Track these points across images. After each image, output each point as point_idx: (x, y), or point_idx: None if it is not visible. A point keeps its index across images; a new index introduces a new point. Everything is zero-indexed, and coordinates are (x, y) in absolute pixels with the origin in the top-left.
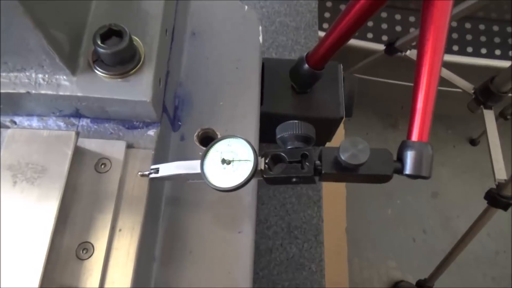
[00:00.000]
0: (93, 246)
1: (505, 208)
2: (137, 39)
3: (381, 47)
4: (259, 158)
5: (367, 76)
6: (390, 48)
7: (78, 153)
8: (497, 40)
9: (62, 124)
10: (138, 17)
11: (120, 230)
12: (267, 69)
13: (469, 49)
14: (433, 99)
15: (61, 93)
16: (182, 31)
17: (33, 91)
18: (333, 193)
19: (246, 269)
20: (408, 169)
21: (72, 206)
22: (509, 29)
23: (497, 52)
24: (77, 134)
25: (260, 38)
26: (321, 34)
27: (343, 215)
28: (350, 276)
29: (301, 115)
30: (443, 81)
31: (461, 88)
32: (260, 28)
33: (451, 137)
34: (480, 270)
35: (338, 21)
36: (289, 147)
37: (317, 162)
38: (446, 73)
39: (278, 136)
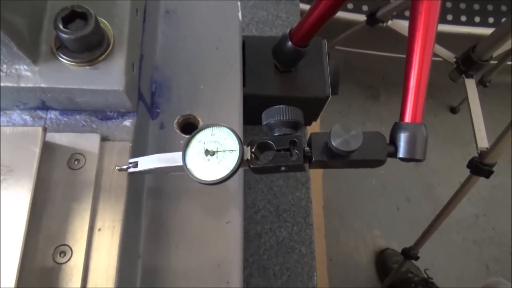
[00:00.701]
0: (71, 249)
1: (487, 175)
2: (105, 21)
3: (362, 17)
4: (245, 147)
5: (347, 48)
6: (372, 18)
7: (48, 150)
8: (476, 7)
9: (28, 118)
10: None
11: (99, 229)
12: (248, 47)
13: (449, 17)
14: (426, 77)
15: (22, 84)
16: (155, 9)
17: None
18: (316, 171)
19: (236, 261)
20: (401, 153)
21: (46, 207)
22: None
23: (477, 19)
24: (45, 129)
25: (240, 15)
26: (303, 6)
27: (320, 193)
28: (336, 247)
29: (286, 96)
30: None
31: (442, 57)
32: (239, 3)
33: (432, 106)
34: (461, 234)
35: None
36: (276, 134)
37: (307, 149)
38: None
39: (264, 123)
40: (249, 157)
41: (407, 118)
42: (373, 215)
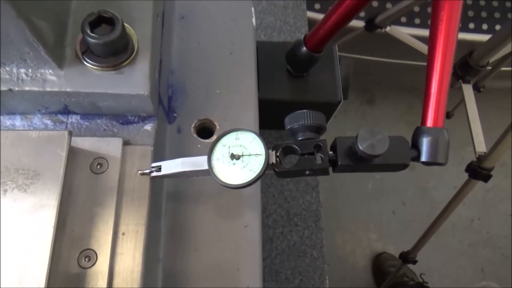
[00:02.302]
0: (96, 253)
1: (485, 179)
2: (129, 27)
3: (360, 23)
4: (270, 151)
5: (344, 53)
6: (370, 24)
7: (71, 154)
8: (470, 13)
9: (49, 122)
10: (127, 2)
11: (123, 234)
12: (261, 52)
13: None
14: (447, 82)
15: (48, 89)
16: (171, 14)
17: (16, 88)
18: None
19: (255, 264)
20: (424, 157)
21: (69, 211)
22: (482, 2)
23: (471, 25)
24: (70, 133)
25: (253, 20)
26: (310, 14)
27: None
28: (333, 250)
29: (298, 100)
30: (421, 56)
31: None
32: (253, 9)
33: None
34: (457, 237)
35: (340, 0)
36: (300, 138)
37: (330, 153)
38: (424, 48)
39: (287, 127)
40: (274, 161)
41: (429, 122)
42: (369, 218)
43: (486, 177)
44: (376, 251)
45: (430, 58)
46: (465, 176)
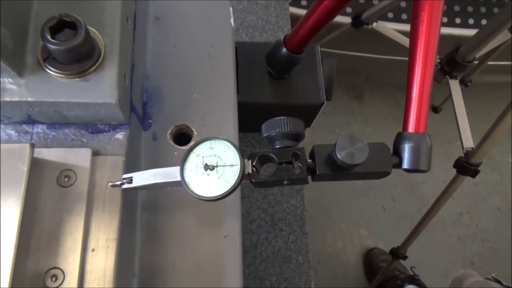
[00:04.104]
0: (63, 272)
1: (473, 175)
2: (94, 31)
3: (346, 19)
4: (246, 160)
5: (331, 50)
6: (357, 21)
7: (36, 166)
8: (456, 8)
9: (12, 132)
10: (94, 4)
11: (93, 250)
12: (241, 54)
13: None
14: (429, 86)
15: (7, 98)
16: (144, 16)
17: None
18: None
19: (235, 276)
20: (406, 164)
21: (34, 228)
22: None
23: (457, 20)
24: (32, 146)
25: (232, 21)
26: (293, 10)
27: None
28: (324, 248)
29: (280, 103)
30: (407, 52)
31: None
32: (231, 9)
33: None
34: (446, 232)
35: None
36: (277, 147)
37: (309, 161)
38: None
39: (264, 135)
40: (250, 171)
41: (411, 128)
42: (359, 215)
43: (474, 173)
44: (366, 247)
45: (411, 62)
46: (454, 170)
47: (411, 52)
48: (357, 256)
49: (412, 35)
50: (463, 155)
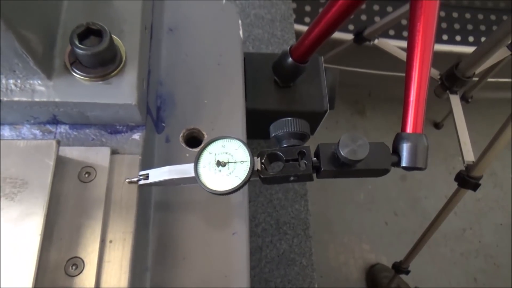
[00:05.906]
0: (83, 261)
1: (474, 188)
2: (117, 38)
3: (348, 36)
4: (255, 158)
5: (334, 65)
6: (359, 37)
7: (60, 163)
8: (456, 26)
9: (37, 132)
10: (116, 14)
11: (110, 241)
12: (248, 63)
13: None
14: (425, 89)
15: (36, 99)
16: (159, 27)
17: (5, 99)
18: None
19: (243, 271)
20: (404, 162)
21: (57, 220)
22: (468, 15)
23: (458, 38)
24: (58, 142)
25: (241, 32)
26: (297, 27)
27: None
28: (326, 262)
29: (285, 110)
30: None
31: None
32: (240, 21)
33: None
34: (449, 247)
35: (324, 11)
36: (285, 145)
37: (314, 159)
38: None
39: (272, 134)
40: (259, 168)
41: (409, 129)
42: (361, 229)
43: (475, 186)
44: (369, 262)
45: (408, 68)
46: (456, 185)
47: (409, 60)
48: (359, 271)
49: (409, 45)
50: (464, 168)
